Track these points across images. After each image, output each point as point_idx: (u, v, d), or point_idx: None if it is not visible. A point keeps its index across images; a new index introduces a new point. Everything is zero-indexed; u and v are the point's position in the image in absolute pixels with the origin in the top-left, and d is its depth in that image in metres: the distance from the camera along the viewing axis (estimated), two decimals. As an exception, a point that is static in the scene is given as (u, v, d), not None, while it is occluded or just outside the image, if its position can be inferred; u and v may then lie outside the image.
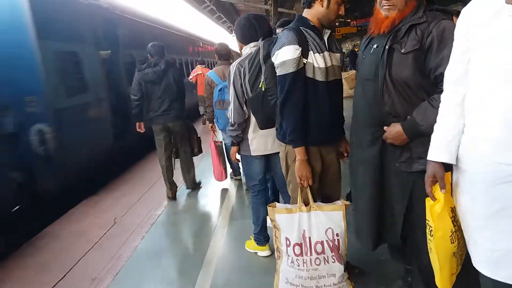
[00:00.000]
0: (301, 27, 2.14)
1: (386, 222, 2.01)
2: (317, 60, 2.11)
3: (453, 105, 1.54)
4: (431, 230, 1.63)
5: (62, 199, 4.77)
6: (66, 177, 4.88)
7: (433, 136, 1.63)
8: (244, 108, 2.71)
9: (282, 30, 2.20)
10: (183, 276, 2.94)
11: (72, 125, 5.07)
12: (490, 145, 1.37)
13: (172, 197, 4.70)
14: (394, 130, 1.85)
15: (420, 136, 1.78)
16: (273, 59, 2.18)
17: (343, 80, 10.36)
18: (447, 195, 1.58)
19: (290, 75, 2.09)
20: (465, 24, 1.48)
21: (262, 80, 2.39)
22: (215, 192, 4.97)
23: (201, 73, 9.07)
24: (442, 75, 1.64)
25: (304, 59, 2.10)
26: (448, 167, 1.58)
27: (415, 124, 1.79)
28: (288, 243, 2.18)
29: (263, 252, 3.04)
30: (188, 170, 4.91)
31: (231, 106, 2.72)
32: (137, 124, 4.77)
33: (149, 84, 4.41)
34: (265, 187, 3.04)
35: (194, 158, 5.02)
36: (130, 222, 4.20)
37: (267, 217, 3.32)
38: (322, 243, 2.16)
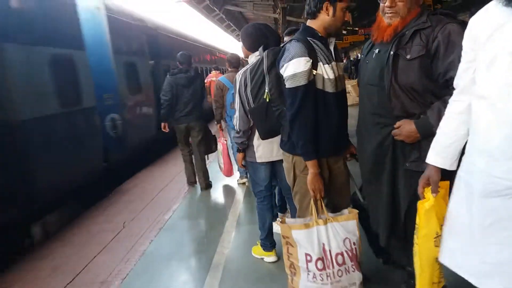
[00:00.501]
0: (308, 38, 2.11)
1: (396, 218, 2.06)
2: (326, 71, 2.08)
3: (456, 113, 1.57)
4: (417, 228, 1.66)
5: (126, 165, 6.79)
6: (127, 150, 6.79)
7: (433, 140, 1.66)
8: (249, 116, 2.76)
9: (290, 39, 2.19)
10: (190, 280, 2.98)
11: (132, 116, 7.05)
12: (486, 157, 1.38)
13: (192, 183, 5.51)
14: (406, 128, 1.86)
15: (432, 136, 1.75)
16: (281, 71, 2.14)
17: (351, 88, 10.53)
18: (440, 200, 1.60)
19: (302, 88, 2.05)
20: (472, 33, 1.48)
21: (266, 90, 2.38)
22: (223, 197, 5.02)
23: (214, 80, 10.17)
24: (452, 79, 1.64)
25: (313, 70, 2.07)
26: (450, 174, 1.60)
27: (428, 124, 1.80)
28: (309, 258, 2.13)
29: (270, 257, 3.07)
30: (202, 170, 5.34)
31: (237, 114, 2.76)
32: (162, 124, 5.30)
33: (180, 87, 5.01)
34: (271, 193, 3.07)
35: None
36: (138, 226, 4.25)
37: (274, 223, 3.36)
38: (342, 254, 2.13)
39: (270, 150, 2.82)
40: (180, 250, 3.53)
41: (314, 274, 2.13)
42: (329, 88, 2.11)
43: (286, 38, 3.79)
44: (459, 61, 1.58)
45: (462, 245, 1.50)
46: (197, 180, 5.43)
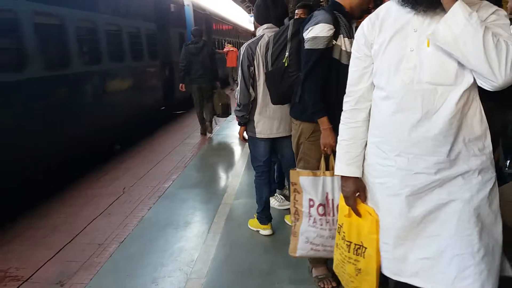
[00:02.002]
0: (335, 11, 2.17)
1: None
2: (345, 44, 2.14)
3: (361, 121, 1.59)
4: (358, 248, 1.64)
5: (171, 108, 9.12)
6: (173, 100, 8.94)
7: (340, 152, 1.65)
8: (250, 90, 2.78)
9: (303, 11, 2.23)
10: (185, 248, 3.03)
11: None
12: (407, 155, 1.41)
13: (203, 133, 6.98)
14: None
15: None
16: (305, 33, 2.20)
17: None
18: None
19: (319, 51, 2.11)
20: (367, 39, 1.50)
21: (286, 55, 2.43)
22: (223, 170, 5.06)
23: (232, 50, 13.52)
24: None
25: (334, 40, 2.14)
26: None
27: None
28: (311, 203, 2.24)
29: (265, 231, 3.11)
30: (209, 120, 6.89)
31: (238, 87, 2.78)
32: (180, 85, 7.08)
33: (190, 55, 6.49)
34: (269, 168, 3.09)
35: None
36: (138, 192, 4.31)
37: (271, 198, 3.40)
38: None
39: (270, 126, 2.83)
40: (177, 218, 3.58)
41: (314, 218, 2.24)
42: (345, 60, 2.14)
43: (298, 11, 3.73)
44: None
45: (395, 252, 1.50)
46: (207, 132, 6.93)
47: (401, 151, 1.41)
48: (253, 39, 2.85)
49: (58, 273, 2.81)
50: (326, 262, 2.46)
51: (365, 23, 1.52)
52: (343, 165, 1.63)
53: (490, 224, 1.38)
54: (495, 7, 1.31)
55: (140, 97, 7.26)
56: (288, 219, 3.23)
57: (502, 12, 1.30)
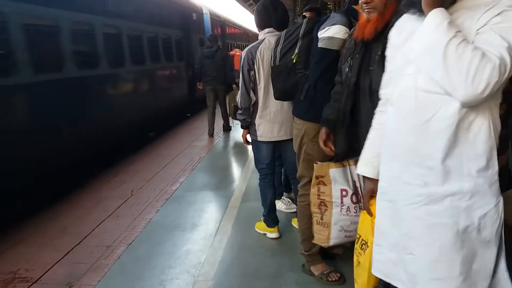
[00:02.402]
0: (350, 16, 2.18)
1: None
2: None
3: (380, 123, 1.57)
4: (363, 244, 1.68)
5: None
6: (194, 93, 9.96)
7: (364, 152, 1.65)
8: (251, 94, 2.82)
9: (310, 14, 2.23)
10: (193, 250, 3.04)
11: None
12: (399, 163, 1.38)
13: (211, 134, 7.18)
14: None
15: None
16: (320, 32, 2.20)
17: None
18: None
19: (332, 53, 2.13)
20: (392, 43, 1.49)
21: (296, 52, 2.45)
22: (231, 172, 5.06)
23: (238, 54, 14.86)
24: None
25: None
26: None
27: None
28: (344, 193, 2.26)
29: (272, 234, 3.11)
30: (224, 119, 7.40)
31: (240, 91, 2.84)
32: (198, 83, 7.64)
33: (205, 58, 7.01)
34: (273, 171, 3.10)
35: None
36: (146, 195, 4.33)
37: (277, 201, 3.40)
38: None
39: (271, 130, 2.86)
40: (185, 220, 3.59)
41: (348, 207, 2.26)
42: None
43: (306, 14, 3.76)
44: None
45: (388, 254, 1.49)
46: (214, 134, 7.21)
47: (395, 158, 1.39)
48: (253, 44, 2.88)
49: (67, 275, 2.83)
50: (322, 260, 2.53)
51: (393, 27, 1.51)
52: (361, 164, 1.66)
53: (480, 249, 1.28)
54: (507, 6, 1.15)
55: (170, 92, 8.83)
56: (295, 222, 3.22)
57: None
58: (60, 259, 3.06)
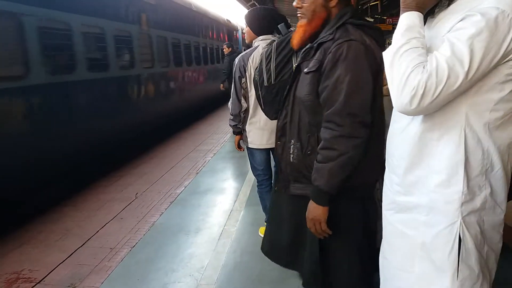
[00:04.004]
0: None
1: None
2: None
3: None
4: None
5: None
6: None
7: None
8: (242, 101, 2.82)
9: None
10: (196, 254, 3.03)
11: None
12: (387, 170, 1.38)
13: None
14: (309, 212, 1.65)
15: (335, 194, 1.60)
16: None
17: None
18: None
19: None
20: None
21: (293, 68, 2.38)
22: (235, 176, 5.05)
23: None
24: (324, 103, 1.56)
25: None
26: None
27: (320, 191, 1.60)
28: None
29: (276, 238, 3.10)
30: None
31: (231, 98, 2.85)
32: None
33: (232, 62, 7.53)
34: (269, 177, 3.08)
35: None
36: (150, 198, 4.34)
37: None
38: None
39: (261, 137, 2.86)
40: (188, 224, 3.58)
41: None
42: None
43: None
44: (335, 87, 1.51)
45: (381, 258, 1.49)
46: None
47: (386, 162, 1.38)
48: (247, 51, 2.85)
49: (70, 276, 2.84)
50: None
51: None
52: None
53: (433, 273, 1.20)
54: (474, 11, 1.04)
55: (210, 89, 11.46)
56: (262, 233, 3.20)
57: (475, 18, 1.02)
58: (64, 260, 3.07)
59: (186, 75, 9.49)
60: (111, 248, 3.20)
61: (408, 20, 1.13)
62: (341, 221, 1.71)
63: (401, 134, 1.25)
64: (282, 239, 2.01)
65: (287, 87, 1.82)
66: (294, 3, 1.71)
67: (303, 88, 1.66)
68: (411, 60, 1.07)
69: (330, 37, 1.57)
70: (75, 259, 3.10)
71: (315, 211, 1.61)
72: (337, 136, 1.52)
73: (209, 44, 11.60)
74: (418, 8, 1.14)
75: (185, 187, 4.63)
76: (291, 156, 1.73)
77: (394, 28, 1.33)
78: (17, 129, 3.87)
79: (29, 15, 3.96)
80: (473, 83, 1.05)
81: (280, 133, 1.83)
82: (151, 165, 5.77)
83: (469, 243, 1.14)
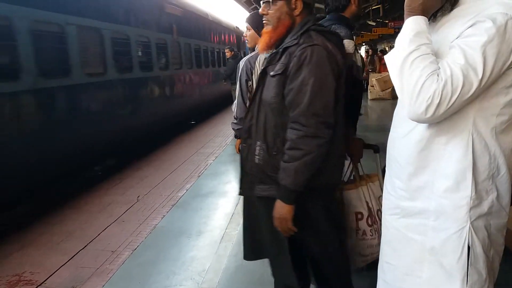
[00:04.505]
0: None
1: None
2: (357, 59, 2.15)
3: None
4: None
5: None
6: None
7: None
8: (248, 104, 2.77)
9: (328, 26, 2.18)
10: (197, 257, 3.03)
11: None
12: (388, 173, 1.38)
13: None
14: (276, 211, 1.68)
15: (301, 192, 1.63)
16: None
17: (375, 81, 10.25)
18: None
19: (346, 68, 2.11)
20: None
21: None
22: (236, 180, 5.04)
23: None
24: (291, 107, 1.59)
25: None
26: None
27: (287, 190, 1.63)
28: (360, 217, 2.21)
29: (277, 242, 3.09)
30: None
31: (236, 101, 2.81)
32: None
33: (236, 64, 8.45)
34: None
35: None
36: (152, 201, 4.33)
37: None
38: (379, 210, 2.20)
39: None
40: (190, 227, 3.58)
41: (364, 231, 2.21)
42: (359, 76, 2.15)
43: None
44: (300, 89, 1.54)
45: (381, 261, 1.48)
46: None
47: (387, 166, 1.38)
48: (252, 54, 2.83)
49: (71, 279, 2.84)
50: None
51: None
52: None
53: (443, 278, 1.20)
54: (483, 17, 1.04)
55: (217, 88, 12.47)
56: None
57: (486, 24, 1.03)
58: (65, 263, 3.06)
59: (203, 75, 11.53)
60: (112, 251, 3.20)
61: (415, 24, 1.13)
62: (308, 219, 1.76)
63: (404, 139, 1.25)
64: (262, 239, 2.01)
65: (253, 90, 1.85)
66: (260, 10, 1.75)
67: (269, 91, 1.69)
68: (423, 68, 1.06)
69: (295, 42, 1.62)
70: (77, 261, 3.09)
71: (281, 210, 1.65)
72: (302, 136, 1.57)
73: (222, 49, 13.31)
74: (423, 13, 1.14)
75: (187, 190, 4.63)
76: (257, 157, 1.75)
77: (396, 32, 1.32)
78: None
79: (106, 29, 5.68)
80: (484, 89, 1.06)
81: (246, 135, 1.86)
82: (153, 168, 5.78)
83: (477, 247, 1.15)
